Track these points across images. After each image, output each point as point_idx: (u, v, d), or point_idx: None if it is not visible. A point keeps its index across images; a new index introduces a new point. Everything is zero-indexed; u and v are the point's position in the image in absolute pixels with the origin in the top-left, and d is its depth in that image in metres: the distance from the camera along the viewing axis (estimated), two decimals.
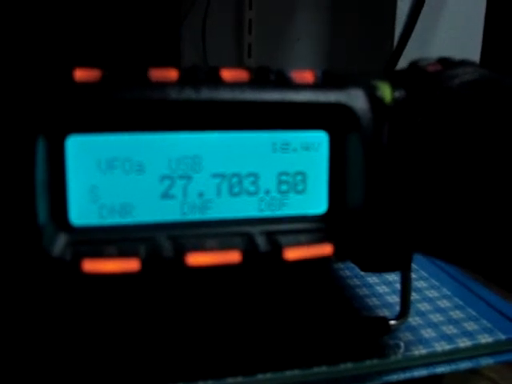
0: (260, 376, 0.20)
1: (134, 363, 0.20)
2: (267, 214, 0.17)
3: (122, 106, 0.15)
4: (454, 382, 0.25)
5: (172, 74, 0.16)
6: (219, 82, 0.16)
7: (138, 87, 0.15)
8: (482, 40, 0.52)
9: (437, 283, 0.26)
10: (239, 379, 0.20)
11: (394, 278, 0.26)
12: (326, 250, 0.16)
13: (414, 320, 0.23)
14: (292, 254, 0.16)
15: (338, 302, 0.24)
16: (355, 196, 0.17)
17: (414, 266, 0.28)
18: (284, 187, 0.17)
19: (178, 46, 0.57)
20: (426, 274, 0.27)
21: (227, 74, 0.16)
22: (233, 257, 0.15)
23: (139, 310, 0.23)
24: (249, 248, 0.16)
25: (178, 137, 0.16)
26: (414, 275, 0.27)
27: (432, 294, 0.25)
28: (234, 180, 0.16)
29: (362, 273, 0.26)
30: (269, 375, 0.20)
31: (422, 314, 0.24)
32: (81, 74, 0.15)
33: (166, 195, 0.16)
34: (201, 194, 0.16)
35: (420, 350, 0.22)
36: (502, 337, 0.22)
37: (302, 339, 0.21)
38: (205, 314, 0.23)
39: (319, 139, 0.17)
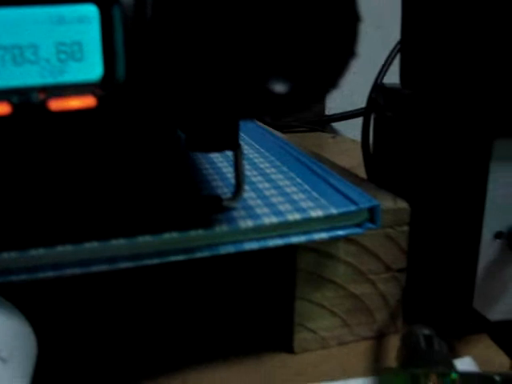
0: (87, 245, 0.22)
1: None
2: (49, 80, 0.19)
3: None
4: (310, 267, 0.26)
5: None
6: None
7: None
8: None
9: (278, 162, 0.28)
10: (68, 248, 0.22)
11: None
12: (89, 102, 0.18)
13: (252, 200, 0.25)
14: (56, 104, 0.18)
15: (180, 183, 0.25)
16: (121, 66, 0.19)
17: (261, 150, 0.30)
18: (63, 56, 0.19)
19: None
20: (273, 158, 0.29)
21: None
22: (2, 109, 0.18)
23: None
24: (20, 101, 0.18)
25: None
26: (260, 158, 0.29)
27: (276, 176, 0.27)
28: (16, 51, 0.19)
29: (216, 160, 0.28)
30: (95, 244, 0.22)
31: (260, 192, 0.25)
32: None
33: None
34: None
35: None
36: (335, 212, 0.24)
37: (129, 210, 0.23)
38: None
39: (90, 12, 0.19)
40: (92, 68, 0.19)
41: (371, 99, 0.35)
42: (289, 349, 0.27)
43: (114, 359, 0.26)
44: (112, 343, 0.27)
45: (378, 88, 0.35)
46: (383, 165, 0.34)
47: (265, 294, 0.30)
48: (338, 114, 0.64)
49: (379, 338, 0.28)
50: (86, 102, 0.18)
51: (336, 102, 0.64)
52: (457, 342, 0.28)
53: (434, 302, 0.29)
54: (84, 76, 0.19)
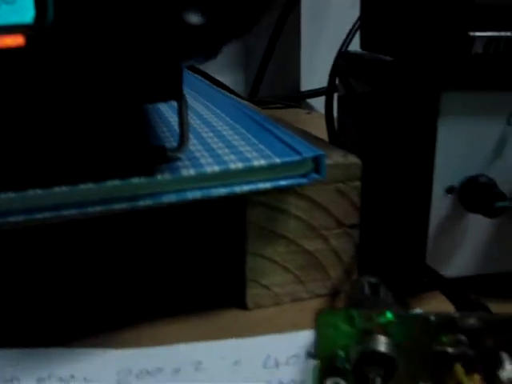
0: (30, 192, 0.22)
1: None
2: None
3: None
4: (261, 221, 0.26)
5: None
6: None
7: None
8: None
9: (231, 121, 0.28)
10: (11, 195, 0.22)
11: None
12: (18, 40, 0.19)
13: (198, 151, 0.25)
14: None
15: (126, 133, 0.26)
16: (50, 9, 0.19)
17: (218, 111, 0.30)
18: None
19: None
20: (227, 118, 0.29)
21: None
22: None
23: None
24: None
25: None
26: (215, 118, 0.29)
27: (227, 132, 0.27)
28: None
29: (167, 115, 0.28)
30: (38, 191, 0.22)
31: (207, 145, 0.26)
32: None
33: None
34: None
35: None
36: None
37: (71, 157, 0.23)
38: None
39: None
40: (24, 11, 0.20)
41: (335, 65, 0.35)
42: (242, 305, 0.27)
43: (65, 316, 0.27)
44: (61, 297, 0.28)
45: (342, 55, 0.35)
46: (344, 128, 0.34)
47: (217, 249, 0.30)
48: (312, 90, 0.65)
49: (334, 295, 0.28)
50: (15, 40, 0.19)
51: (313, 78, 0.64)
52: (410, 298, 0.28)
53: (387, 259, 0.29)
54: (16, 18, 0.20)
